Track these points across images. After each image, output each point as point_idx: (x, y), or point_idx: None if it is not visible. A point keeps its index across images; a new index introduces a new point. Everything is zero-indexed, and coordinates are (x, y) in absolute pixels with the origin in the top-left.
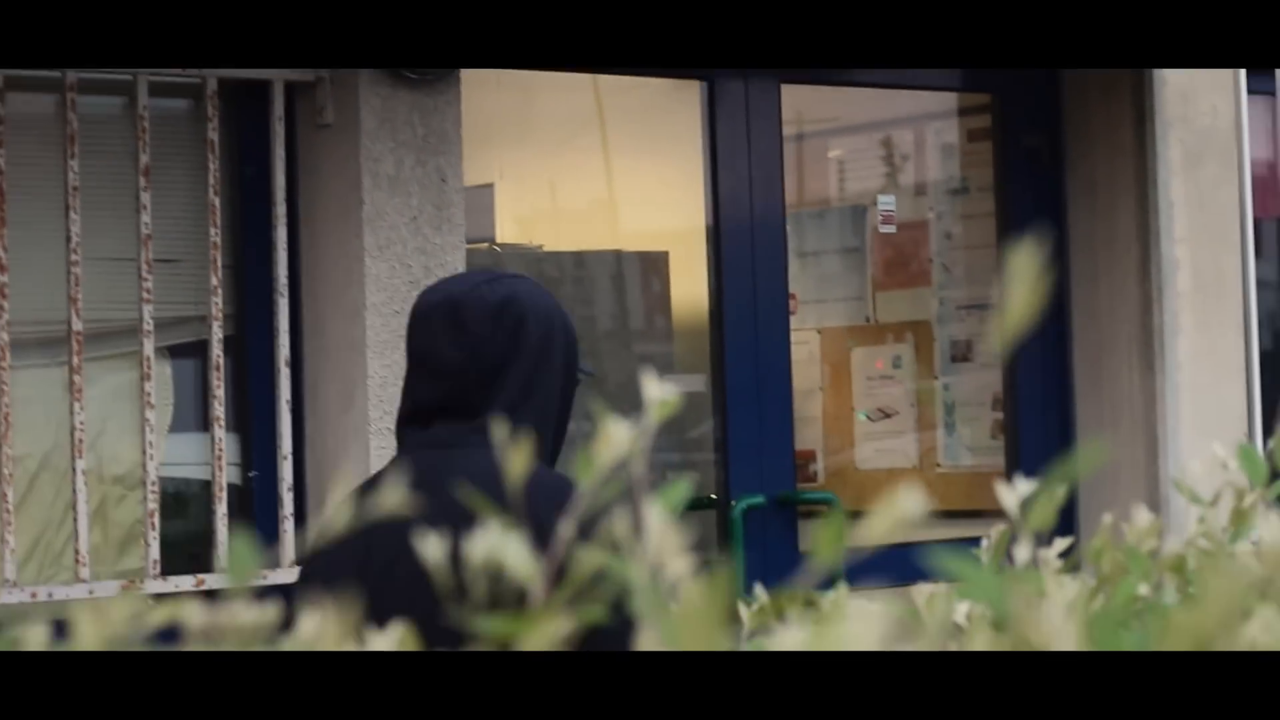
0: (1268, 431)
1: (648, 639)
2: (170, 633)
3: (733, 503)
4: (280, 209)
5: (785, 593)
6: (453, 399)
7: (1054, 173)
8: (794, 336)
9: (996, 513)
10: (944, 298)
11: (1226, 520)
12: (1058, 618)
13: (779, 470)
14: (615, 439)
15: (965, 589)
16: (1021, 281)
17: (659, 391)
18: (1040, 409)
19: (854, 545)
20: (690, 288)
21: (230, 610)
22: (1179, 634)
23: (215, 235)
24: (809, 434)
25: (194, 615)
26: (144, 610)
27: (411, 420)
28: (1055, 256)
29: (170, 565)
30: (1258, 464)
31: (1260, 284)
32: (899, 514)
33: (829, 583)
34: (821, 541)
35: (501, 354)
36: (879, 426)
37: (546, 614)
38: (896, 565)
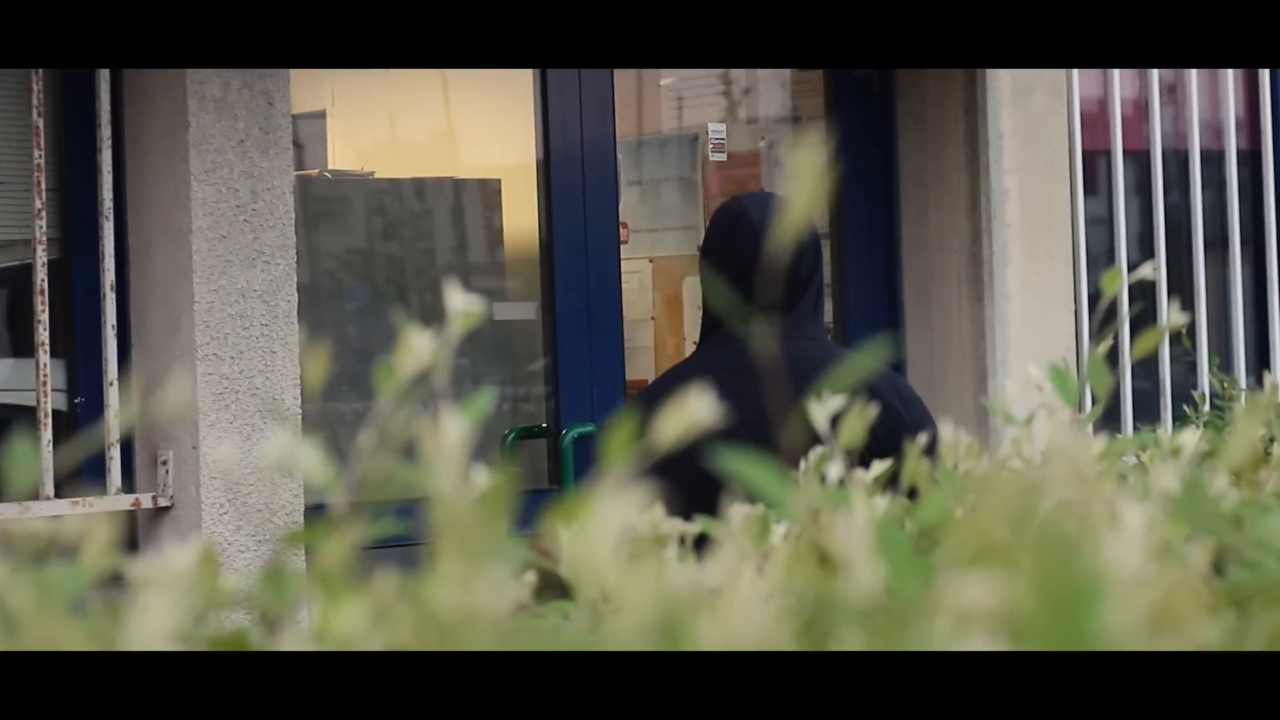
0: None
1: (438, 545)
2: None
3: (563, 431)
4: (105, 131)
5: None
6: (777, 299)
7: (885, 102)
8: (625, 266)
9: None
10: None
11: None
12: (852, 528)
13: (609, 399)
14: (416, 349)
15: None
16: (804, 176)
17: (462, 302)
18: (871, 340)
19: (652, 449)
20: (524, 218)
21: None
22: (959, 542)
23: (39, 157)
24: (641, 363)
25: None
26: None
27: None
28: (885, 187)
29: None
30: (1070, 385)
31: (1094, 220)
32: (688, 418)
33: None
34: (612, 446)
35: (813, 263)
36: None
37: (343, 522)
38: None
